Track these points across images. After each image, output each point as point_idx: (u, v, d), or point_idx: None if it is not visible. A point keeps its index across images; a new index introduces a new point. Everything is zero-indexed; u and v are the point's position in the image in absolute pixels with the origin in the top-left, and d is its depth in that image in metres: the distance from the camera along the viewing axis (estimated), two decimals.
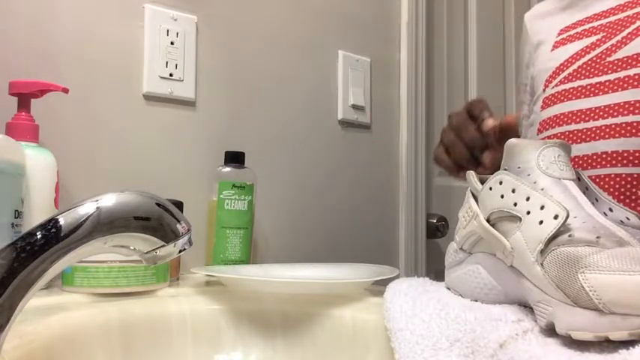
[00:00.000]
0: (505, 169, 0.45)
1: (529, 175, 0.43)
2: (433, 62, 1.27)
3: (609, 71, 0.59)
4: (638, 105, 0.55)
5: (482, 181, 0.47)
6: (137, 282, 0.58)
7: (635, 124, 0.54)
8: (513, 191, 0.42)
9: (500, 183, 0.43)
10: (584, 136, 0.59)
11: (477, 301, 0.46)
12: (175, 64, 0.86)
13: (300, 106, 1.01)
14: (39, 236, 0.31)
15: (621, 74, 0.57)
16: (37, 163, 0.62)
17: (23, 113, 0.64)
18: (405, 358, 0.38)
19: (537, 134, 0.66)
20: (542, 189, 0.41)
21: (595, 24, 0.64)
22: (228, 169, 0.81)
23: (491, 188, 0.44)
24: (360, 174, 1.10)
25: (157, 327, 0.55)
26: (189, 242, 0.36)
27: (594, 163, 0.57)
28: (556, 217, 0.38)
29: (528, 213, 0.40)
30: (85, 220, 0.32)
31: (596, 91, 0.59)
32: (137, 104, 0.83)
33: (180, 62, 0.86)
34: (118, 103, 0.81)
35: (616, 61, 0.59)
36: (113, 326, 0.52)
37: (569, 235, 0.37)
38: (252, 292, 0.60)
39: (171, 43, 0.85)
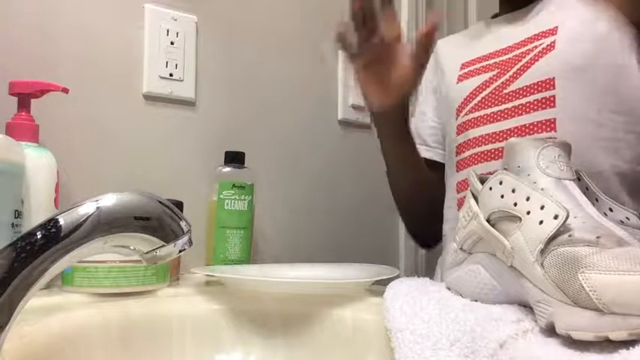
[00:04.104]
0: (505, 169, 0.45)
1: (529, 174, 0.43)
2: None
3: (506, 101, 0.71)
4: (531, 127, 0.68)
5: (483, 181, 0.47)
6: (137, 282, 0.58)
7: None
8: (513, 191, 0.42)
9: (501, 183, 0.43)
10: (493, 156, 0.71)
11: (477, 301, 0.46)
12: (175, 64, 0.86)
13: (300, 106, 1.01)
14: (39, 236, 0.31)
15: (516, 103, 0.70)
16: (37, 163, 0.62)
17: (23, 113, 0.64)
18: (405, 358, 0.38)
19: (455, 156, 0.78)
20: (542, 189, 0.41)
21: (490, 62, 0.77)
22: (228, 169, 0.81)
23: (491, 188, 0.44)
24: (360, 174, 1.09)
25: (156, 327, 0.55)
26: (189, 242, 0.36)
27: None
28: (556, 217, 0.38)
29: (528, 213, 0.40)
30: (85, 220, 0.32)
31: (499, 118, 0.72)
32: (137, 104, 0.83)
33: (180, 62, 0.86)
34: (118, 103, 0.81)
35: (511, 93, 0.71)
36: (113, 326, 0.52)
37: (569, 235, 0.37)
38: (252, 292, 0.60)
39: (172, 43, 0.85)
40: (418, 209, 0.86)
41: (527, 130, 0.68)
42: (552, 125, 0.66)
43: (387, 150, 0.80)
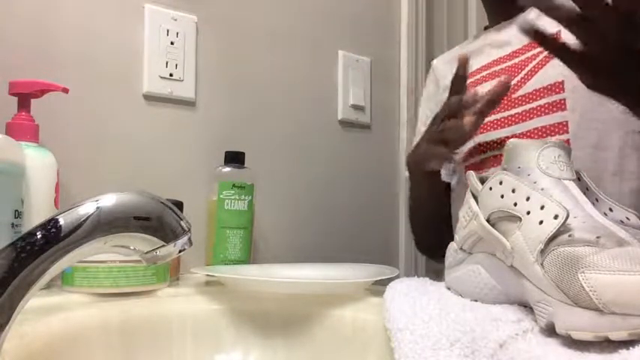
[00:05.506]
0: (505, 169, 0.45)
1: (529, 175, 0.43)
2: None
3: (516, 106, 0.71)
4: (544, 130, 0.68)
5: (483, 181, 0.47)
6: (137, 282, 0.58)
7: None
8: (513, 191, 0.42)
9: (501, 183, 0.43)
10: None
11: (477, 301, 0.46)
12: (175, 64, 0.86)
13: (300, 106, 1.01)
14: (39, 236, 0.31)
15: (526, 107, 0.70)
16: (37, 163, 0.62)
17: (23, 113, 0.64)
18: (405, 358, 0.38)
19: (463, 161, 0.78)
20: (542, 189, 0.41)
21: (496, 68, 0.76)
22: (228, 169, 0.81)
23: (491, 188, 0.44)
24: (360, 174, 1.09)
25: (156, 327, 0.55)
26: (189, 242, 0.36)
27: None
28: (556, 217, 0.38)
29: (528, 213, 0.40)
30: (85, 220, 0.32)
31: (509, 123, 0.72)
32: (137, 104, 0.83)
33: (180, 62, 0.86)
34: (118, 103, 0.81)
35: (520, 97, 0.71)
36: (113, 326, 0.52)
37: (569, 235, 0.37)
38: (252, 292, 0.60)
39: (172, 43, 0.85)
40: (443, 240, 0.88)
41: (539, 134, 0.68)
42: (565, 128, 0.66)
43: (420, 195, 0.83)
